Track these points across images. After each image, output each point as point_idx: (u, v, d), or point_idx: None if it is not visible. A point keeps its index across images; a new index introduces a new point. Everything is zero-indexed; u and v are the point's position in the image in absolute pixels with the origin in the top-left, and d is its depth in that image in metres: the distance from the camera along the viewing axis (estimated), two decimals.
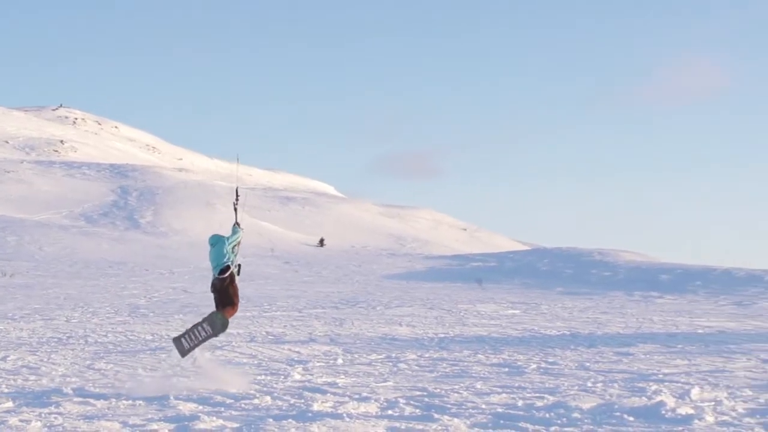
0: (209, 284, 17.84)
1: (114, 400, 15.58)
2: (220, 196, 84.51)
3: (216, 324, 17.11)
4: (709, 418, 13.50)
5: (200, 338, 17.19)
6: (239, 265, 17.58)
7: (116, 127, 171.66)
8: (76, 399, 15.67)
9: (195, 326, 17.37)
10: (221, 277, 17.36)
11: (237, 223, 17.85)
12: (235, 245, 17.58)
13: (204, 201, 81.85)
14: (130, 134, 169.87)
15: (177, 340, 17.57)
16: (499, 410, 14.39)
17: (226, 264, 17.39)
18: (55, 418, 13.96)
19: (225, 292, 17.30)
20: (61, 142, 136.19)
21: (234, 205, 18.19)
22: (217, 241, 17.67)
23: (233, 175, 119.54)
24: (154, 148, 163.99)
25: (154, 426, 13.36)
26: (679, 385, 16.80)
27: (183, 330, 19.03)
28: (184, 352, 17.46)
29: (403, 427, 13.25)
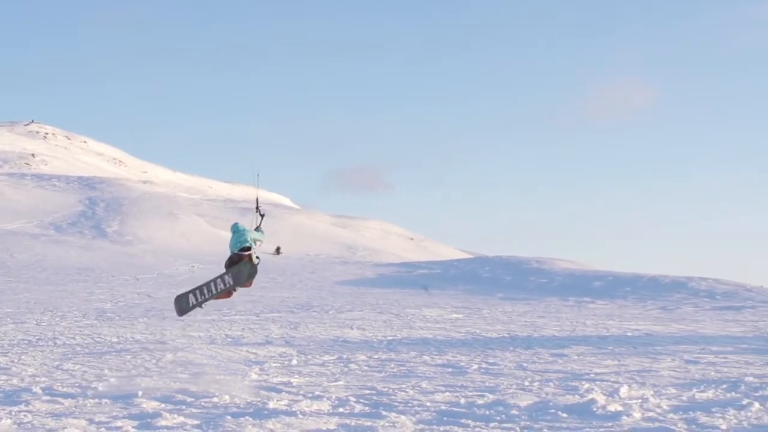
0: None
1: (81, 398, 15.47)
2: (182, 207, 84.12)
3: (242, 273, 16.60)
4: (636, 415, 13.61)
5: (213, 293, 16.60)
6: (258, 258, 17.27)
7: (85, 141, 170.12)
8: (44, 398, 15.54)
9: (210, 282, 16.78)
10: (240, 253, 17.01)
11: (259, 227, 17.73)
12: (257, 240, 17.38)
13: (167, 211, 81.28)
14: (98, 149, 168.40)
15: (182, 298, 16.88)
16: (443, 408, 14.43)
17: (247, 245, 17.11)
18: (25, 415, 13.84)
19: (240, 265, 16.89)
20: (33, 155, 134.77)
21: (257, 212, 18.03)
22: (238, 230, 17.44)
23: (195, 187, 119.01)
24: (120, 161, 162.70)
25: (119, 423, 13.27)
26: (609, 383, 16.92)
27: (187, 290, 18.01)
28: (184, 311, 16.73)
29: (353, 423, 13.25)
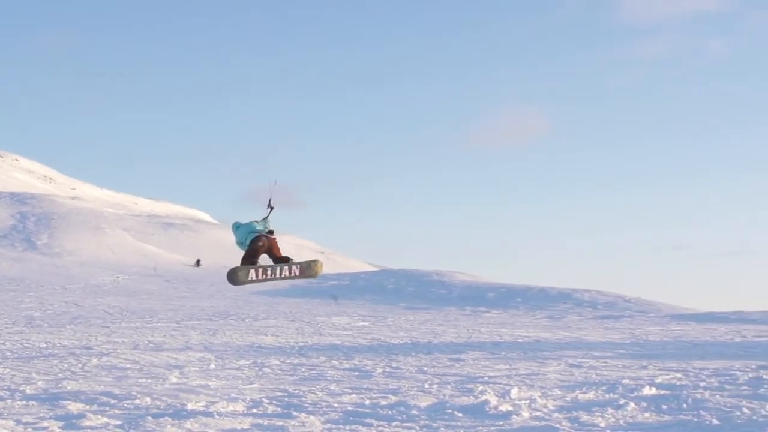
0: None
1: (9, 400, 15.16)
2: (108, 222, 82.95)
3: (311, 270, 14.79)
4: (525, 414, 13.74)
5: (276, 276, 14.59)
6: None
7: (16, 159, 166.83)
8: None
9: (275, 266, 14.69)
10: (268, 235, 14.59)
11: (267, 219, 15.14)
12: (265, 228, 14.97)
13: (94, 226, 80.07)
14: (29, 166, 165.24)
15: (241, 270, 13.78)
16: (349, 408, 14.43)
17: (267, 230, 14.69)
18: None
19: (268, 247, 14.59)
20: None
21: (269, 205, 15.32)
22: (242, 224, 15.01)
23: (121, 203, 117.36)
24: (50, 178, 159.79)
25: (45, 423, 13.03)
26: (501, 386, 17.05)
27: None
28: (240, 281, 14.44)
29: (266, 423, 13.19)
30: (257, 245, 13.60)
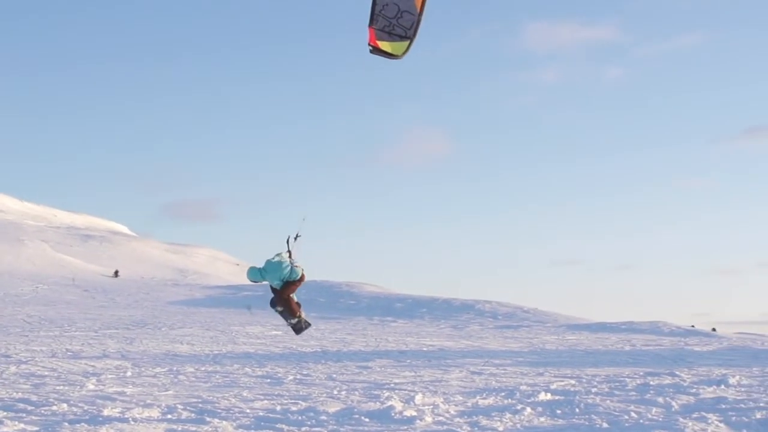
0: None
1: None
2: (28, 234, 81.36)
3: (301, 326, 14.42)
4: (428, 419, 13.81)
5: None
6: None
7: None
8: None
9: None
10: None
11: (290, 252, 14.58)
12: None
13: (14, 237, 78.42)
14: None
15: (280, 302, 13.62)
16: (261, 414, 14.34)
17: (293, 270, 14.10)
18: None
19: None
20: None
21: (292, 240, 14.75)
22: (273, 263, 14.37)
23: (41, 215, 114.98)
24: None
25: None
26: (406, 392, 17.12)
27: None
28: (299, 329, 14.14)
29: (179, 429, 13.04)
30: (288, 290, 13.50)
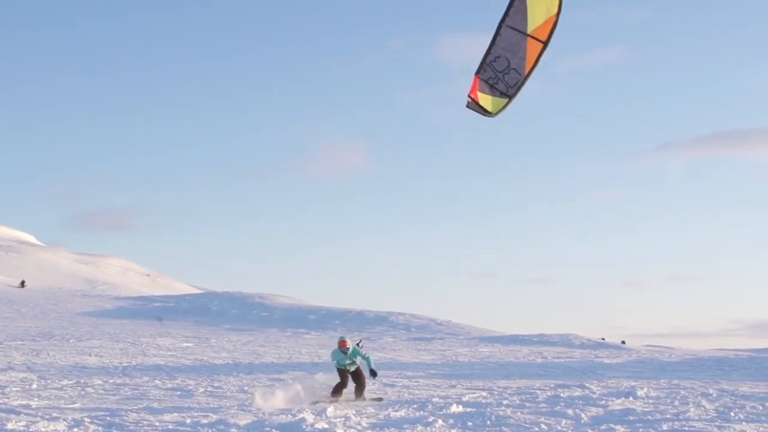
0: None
1: None
2: None
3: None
4: (340, 431, 13.79)
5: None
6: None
7: None
8: None
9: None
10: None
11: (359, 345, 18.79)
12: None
13: None
14: None
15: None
16: (170, 427, 14.15)
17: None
18: None
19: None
20: None
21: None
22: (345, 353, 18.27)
23: None
24: None
25: None
26: (318, 404, 17.08)
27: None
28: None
29: None
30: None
